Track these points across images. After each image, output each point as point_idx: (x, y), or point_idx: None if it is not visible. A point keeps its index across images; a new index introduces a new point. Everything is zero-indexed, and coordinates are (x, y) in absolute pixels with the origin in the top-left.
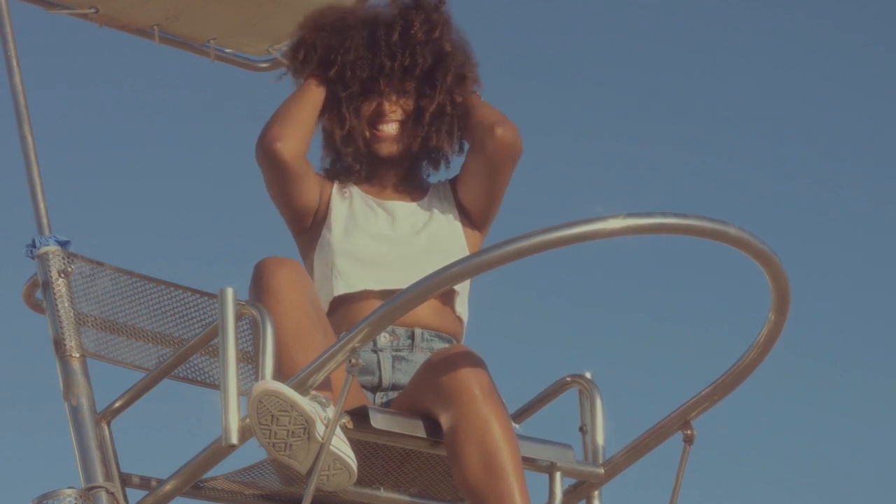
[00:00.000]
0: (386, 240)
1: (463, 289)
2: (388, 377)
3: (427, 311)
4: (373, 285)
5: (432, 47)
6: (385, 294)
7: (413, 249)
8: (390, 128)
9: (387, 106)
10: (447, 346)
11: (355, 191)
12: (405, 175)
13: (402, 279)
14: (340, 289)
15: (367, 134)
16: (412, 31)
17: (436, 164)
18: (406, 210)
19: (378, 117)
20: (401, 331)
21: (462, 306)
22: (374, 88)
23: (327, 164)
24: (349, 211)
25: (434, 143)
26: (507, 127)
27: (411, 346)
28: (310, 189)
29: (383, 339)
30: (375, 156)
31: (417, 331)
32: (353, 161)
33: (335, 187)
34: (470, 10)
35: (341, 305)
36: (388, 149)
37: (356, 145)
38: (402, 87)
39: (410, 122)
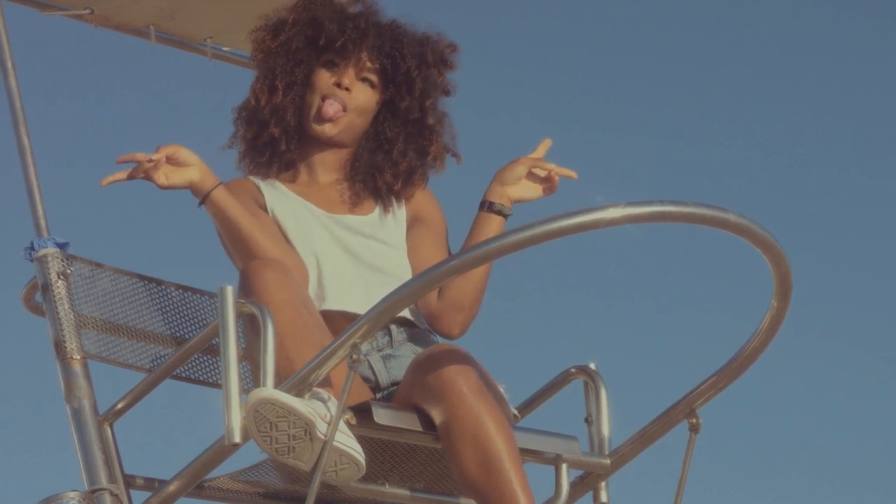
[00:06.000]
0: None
1: None
2: (383, 377)
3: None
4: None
5: (423, 85)
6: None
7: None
8: (339, 102)
9: (346, 80)
10: (435, 343)
11: (285, 190)
12: (345, 176)
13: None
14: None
15: (318, 102)
16: (425, 60)
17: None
18: (353, 222)
19: (333, 89)
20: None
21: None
22: (341, 56)
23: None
24: (294, 223)
25: (387, 139)
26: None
27: (391, 343)
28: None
29: (364, 345)
30: (312, 139)
31: (392, 327)
32: (281, 137)
33: (264, 190)
34: (471, 11)
35: None
36: (330, 129)
37: (289, 119)
38: (369, 72)
39: (361, 117)
